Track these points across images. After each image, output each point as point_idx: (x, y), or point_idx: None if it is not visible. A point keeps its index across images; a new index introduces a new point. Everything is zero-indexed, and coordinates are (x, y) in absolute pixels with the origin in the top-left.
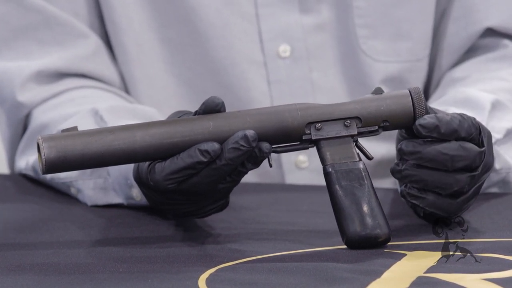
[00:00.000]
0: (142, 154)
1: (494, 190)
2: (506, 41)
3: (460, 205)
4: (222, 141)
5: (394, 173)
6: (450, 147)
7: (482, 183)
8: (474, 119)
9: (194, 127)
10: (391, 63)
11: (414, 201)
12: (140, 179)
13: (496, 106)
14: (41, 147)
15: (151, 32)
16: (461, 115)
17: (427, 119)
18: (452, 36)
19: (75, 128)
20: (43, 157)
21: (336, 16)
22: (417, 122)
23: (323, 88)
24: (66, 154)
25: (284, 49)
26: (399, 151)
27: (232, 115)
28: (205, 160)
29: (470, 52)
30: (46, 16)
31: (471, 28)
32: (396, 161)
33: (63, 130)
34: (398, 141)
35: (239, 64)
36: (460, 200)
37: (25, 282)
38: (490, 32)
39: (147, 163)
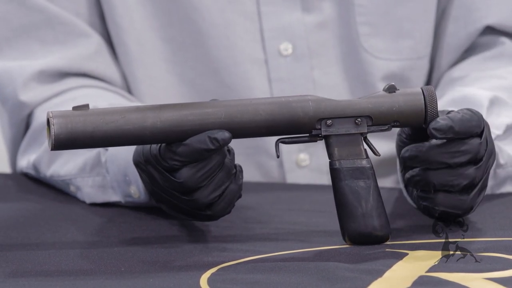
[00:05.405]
0: (151, 138)
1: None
2: (503, 39)
3: (472, 200)
4: (232, 131)
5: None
6: (449, 144)
7: (489, 173)
8: (479, 112)
9: (206, 116)
10: (392, 61)
11: (425, 203)
12: (145, 157)
13: (494, 102)
14: (51, 123)
15: (152, 31)
16: (469, 109)
17: (440, 122)
18: (452, 36)
19: (86, 105)
20: (52, 134)
21: (338, 14)
22: (430, 126)
23: (324, 86)
24: (76, 134)
25: (286, 47)
26: (401, 159)
27: (245, 104)
28: (213, 148)
29: (469, 50)
30: (48, 15)
31: (471, 27)
32: (399, 167)
33: (74, 108)
34: (398, 147)
35: (240, 63)
36: (472, 194)
37: (26, 282)
38: (489, 30)
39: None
